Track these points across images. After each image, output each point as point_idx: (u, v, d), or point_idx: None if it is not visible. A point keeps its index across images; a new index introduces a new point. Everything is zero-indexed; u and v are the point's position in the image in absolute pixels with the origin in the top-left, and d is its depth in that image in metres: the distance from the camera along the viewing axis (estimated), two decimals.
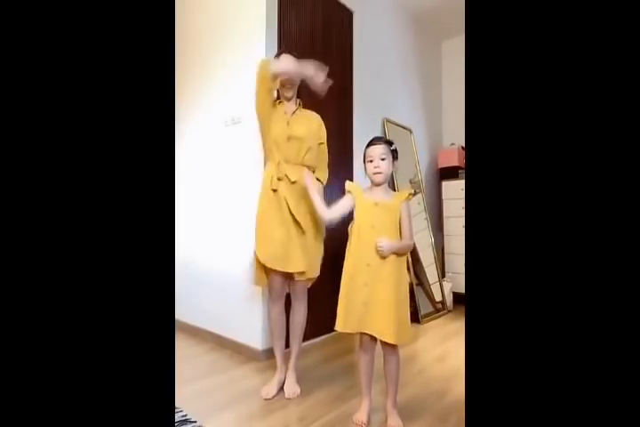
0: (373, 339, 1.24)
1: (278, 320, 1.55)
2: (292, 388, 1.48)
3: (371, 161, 1.24)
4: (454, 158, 3.26)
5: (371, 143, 1.26)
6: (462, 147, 3.35)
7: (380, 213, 1.22)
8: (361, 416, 1.26)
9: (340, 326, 1.22)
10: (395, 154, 1.25)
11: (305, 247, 1.45)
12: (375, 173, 1.23)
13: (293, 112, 1.52)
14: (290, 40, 2.00)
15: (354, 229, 1.26)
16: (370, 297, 1.18)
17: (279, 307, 1.55)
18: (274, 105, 1.51)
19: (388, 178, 1.26)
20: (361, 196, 1.27)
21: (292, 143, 1.46)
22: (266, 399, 1.43)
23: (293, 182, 1.44)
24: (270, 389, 1.47)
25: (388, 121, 2.80)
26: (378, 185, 1.26)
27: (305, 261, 1.43)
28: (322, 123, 1.60)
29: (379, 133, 2.72)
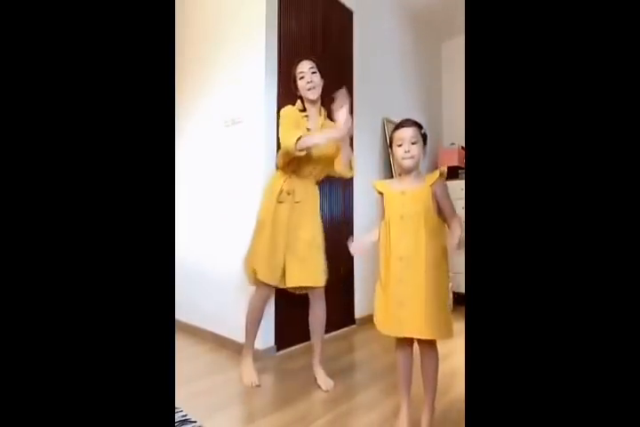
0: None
1: (258, 309, 1.61)
2: (326, 381, 1.52)
3: (400, 145, 1.12)
4: (454, 158, 3.26)
5: (400, 125, 1.14)
6: (462, 147, 3.35)
7: (409, 202, 1.11)
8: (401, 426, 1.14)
9: (379, 326, 1.15)
10: (425, 138, 1.15)
11: (301, 261, 1.51)
12: (405, 158, 1.11)
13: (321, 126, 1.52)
14: (290, 40, 2.00)
15: (383, 222, 1.17)
16: (406, 295, 1.07)
17: (261, 302, 1.60)
18: (299, 112, 1.53)
19: (419, 164, 1.14)
20: (387, 188, 1.17)
21: (314, 162, 1.50)
22: (257, 386, 1.52)
23: (297, 202, 1.50)
24: (254, 376, 1.56)
25: (388, 121, 2.80)
26: (408, 172, 1.15)
27: (300, 275, 1.51)
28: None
29: (379, 134, 2.72)
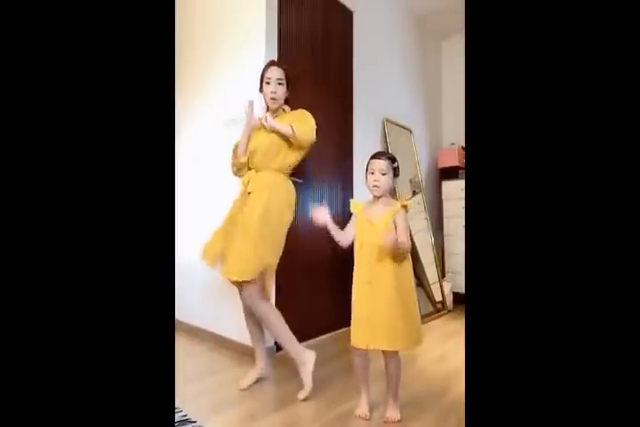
0: None
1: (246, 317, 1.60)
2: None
3: (372, 173, 1.27)
4: (454, 158, 3.26)
5: (374, 156, 1.29)
6: (462, 147, 3.35)
7: (375, 232, 1.23)
8: (363, 410, 1.30)
9: (352, 341, 1.27)
10: (396, 171, 1.29)
11: (238, 251, 1.44)
12: (373, 186, 1.27)
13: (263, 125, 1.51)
14: (290, 40, 2.00)
15: (355, 248, 1.30)
16: (373, 314, 1.22)
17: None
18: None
19: (387, 192, 1.29)
20: (360, 214, 1.31)
21: (254, 153, 1.54)
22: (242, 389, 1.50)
23: (248, 193, 1.52)
24: (246, 379, 1.54)
25: (388, 121, 2.80)
26: (377, 198, 1.30)
27: (231, 267, 1.44)
28: (301, 116, 1.54)
29: (379, 134, 2.72)
